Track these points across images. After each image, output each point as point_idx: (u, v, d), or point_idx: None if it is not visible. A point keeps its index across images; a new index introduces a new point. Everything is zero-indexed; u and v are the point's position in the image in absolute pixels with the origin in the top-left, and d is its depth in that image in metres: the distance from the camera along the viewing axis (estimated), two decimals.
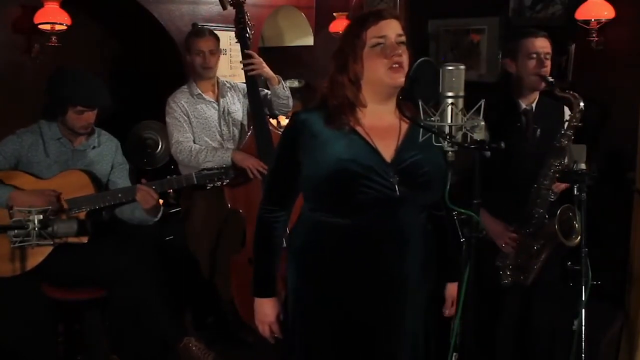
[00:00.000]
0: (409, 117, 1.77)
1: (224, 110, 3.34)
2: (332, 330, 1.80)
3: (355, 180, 1.69)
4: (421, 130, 1.64)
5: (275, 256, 1.91)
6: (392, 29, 1.72)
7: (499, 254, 2.58)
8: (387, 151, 1.75)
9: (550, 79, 2.49)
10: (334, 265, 1.78)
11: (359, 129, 1.75)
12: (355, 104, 1.76)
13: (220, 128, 3.32)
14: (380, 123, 1.78)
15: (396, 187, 1.71)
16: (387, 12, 1.76)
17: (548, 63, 2.55)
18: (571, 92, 2.47)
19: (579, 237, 2.42)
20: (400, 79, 1.71)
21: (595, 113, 3.30)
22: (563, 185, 2.54)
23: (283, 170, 1.86)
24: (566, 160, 2.52)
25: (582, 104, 2.45)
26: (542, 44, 2.56)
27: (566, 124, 2.49)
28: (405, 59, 1.72)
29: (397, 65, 1.69)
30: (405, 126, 1.80)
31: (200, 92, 3.29)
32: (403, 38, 1.73)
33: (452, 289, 2.01)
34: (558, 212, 2.44)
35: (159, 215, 2.94)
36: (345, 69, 1.73)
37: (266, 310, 1.90)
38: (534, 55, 2.54)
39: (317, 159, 1.73)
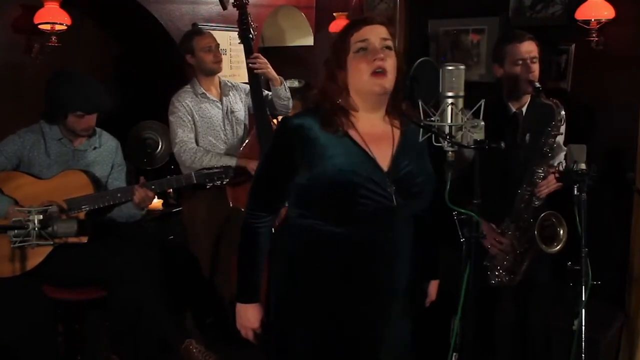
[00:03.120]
0: (407, 117, 1.77)
1: (227, 110, 3.35)
2: (319, 334, 1.80)
3: (355, 191, 1.68)
4: (421, 130, 1.64)
5: (261, 262, 1.88)
6: (375, 33, 1.70)
7: (487, 255, 2.59)
8: (383, 159, 1.74)
9: (537, 85, 2.46)
10: (324, 270, 1.77)
11: (354, 134, 1.73)
12: (347, 109, 1.75)
13: (225, 128, 3.33)
14: (374, 130, 1.76)
15: (393, 197, 1.70)
16: (372, 18, 1.75)
17: (535, 67, 2.53)
18: (554, 100, 2.45)
19: (560, 245, 2.47)
20: (384, 85, 1.68)
21: (595, 113, 3.31)
22: (546, 191, 2.53)
23: (275, 176, 1.81)
24: (564, 162, 2.52)
25: (563, 112, 2.44)
26: (527, 49, 2.54)
27: (547, 132, 2.47)
28: (390, 64, 1.68)
29: (380, 71, 1.67)
30: (397, 133, 1.79)
31: (204, 91, 3.30)
32: (388, 42, 1.71)
33: (429, 286, 2.08)
34: (539, 218, 2.46)
35: (145, 210, 2.96)
36: (334, 77, 1.73)
37: (250, 317, 1.90)
38: (520, 62, 2.53)
39: (317, 169, 1.70)
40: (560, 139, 2.62)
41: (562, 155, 2.65)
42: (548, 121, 2.46)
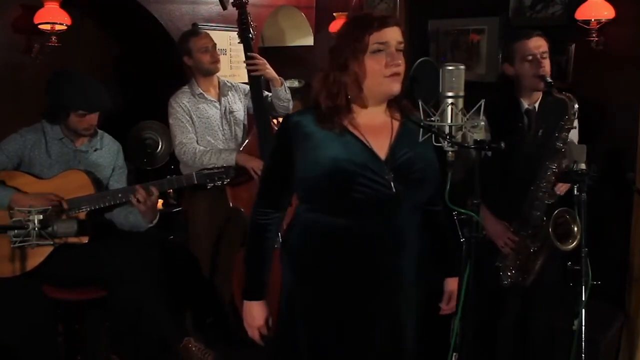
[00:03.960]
0: (409, 117, 1.79)
1: (225, 110, 3.35)
2: (329, 327, 1.82)
3: (352, 179, 1.71)
4: (421, 130, 1.65)
5: (268, 260, 1.91)
6: (393, 36, 1.72)
7: (499, 255, 2.58)
8: (381, 149, 1.77)
9: (549, 80, 2.46)
10: (331, 264, 1.79)
11: (352, 129, 1.77)
12: (352, 104, 1.77)
13: (222, 127, 3.33)
14: (373, 122, 1.80)
15: (392, 184, 1.73)
16: (392, 19, 1.76)
17: (546, 62, 2.52)
18: (567, 94, 2.44)
19: (575, 241, 2.43)
20: (397, 88, 1.73)
21: (595, 113, 3.31)
22: (562, 188, 2.53)
23: (277, 173, 1.86)
24: (564, 163, 2.51)
25: (576, 106, 2.43)
26: (536, 44, 2.53)
27: (560, 126, 2.46)
28: (403, 68, 1.73)
29: (396, 75, 1.71)
30: (396, 124, 1.82)
31: (201, 91, 3.30)
32: (402, 46, 1.75)
33: (450, 283, 2.04)
34: (553, 215, 2.44)
35: (154, 221, 2.91)
36: (347, 70, 1.73)
37: (255, 314, 1.92)
38: (530, 57, 2.52)
39: (313, 160, 1.74)
40: (574, 135, 2.61)
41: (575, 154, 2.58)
42: (561, 116, 2.45)
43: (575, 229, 2.43)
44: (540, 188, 2.50)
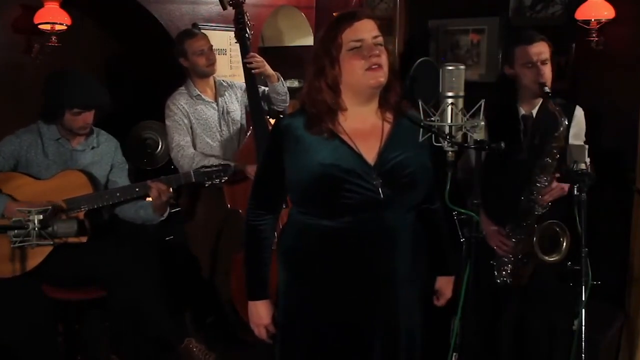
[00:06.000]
0: (408, 117, 1.78)
1: (223, 110, 3.35)
2: (323, 330, 1.82)
3: (339, 184, 1.70)
4: (421, 130, 1.65)
5: (266, 259, 1.91)
6: (367, 30, 1.71)
7: (494, 254, 2.59)
8: (370, 153, 1.75)
9: (547, 90, 2.41)
10: (323, 267, 1.79)
11: (341, 133, 1.75)
12: (335, 109, 1.75)
13: (221, 128, 3.32)
14: (363, 125, 1.78)
15: (379, 189, 1.71)
16: (361, 12, 1.76)
17: (546, 68, 2.49)
18: (558, 109, 2.38)
19: (559, 256, 2.42)
20: (380, 79, 1.70)
21: (595, 113, 3.31)
22: (548, 198, 2.49)
23: (269, 176, 1.87)
24: (569, 161, 2.50)
25: (565, 122, 2.39)
26: (537, 50, 2.48)
27: (549, 143, 2.43)
28: (383, 59, 1.71)
29: (375, 66, 1.69)
30: (387, 126, 1.80)
31: (199, 92, 3.29)
32: (380, 39, 1.72)
33: (441, 282, 2.04)
34: (540, 227, 2.43)
35: (165, 214, 2.94)
36: (323, 74, 1.73)
37: (261, 313, 1.92)
38: (530, 64, 2.48)
39: (301, 165, 1.74)
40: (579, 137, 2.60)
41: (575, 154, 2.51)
42: (553, 130, 2.42)
43: (564, 242, 2.42)
44: (531, 200, 2.48)
